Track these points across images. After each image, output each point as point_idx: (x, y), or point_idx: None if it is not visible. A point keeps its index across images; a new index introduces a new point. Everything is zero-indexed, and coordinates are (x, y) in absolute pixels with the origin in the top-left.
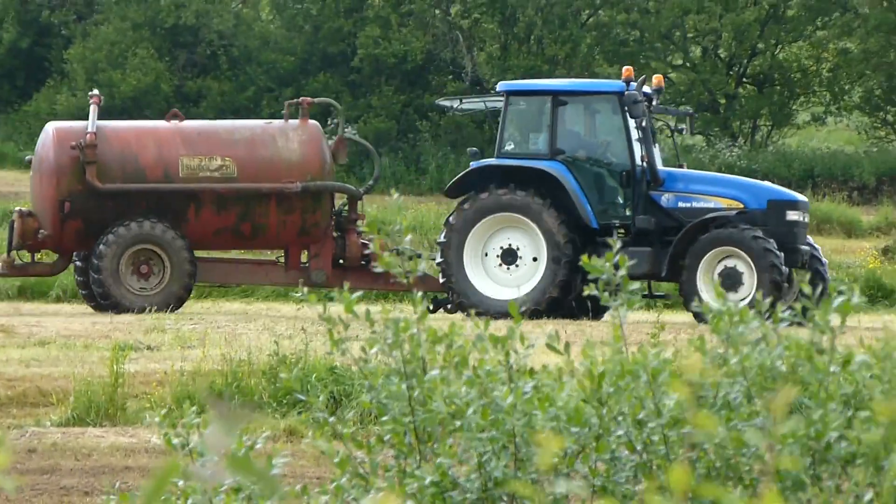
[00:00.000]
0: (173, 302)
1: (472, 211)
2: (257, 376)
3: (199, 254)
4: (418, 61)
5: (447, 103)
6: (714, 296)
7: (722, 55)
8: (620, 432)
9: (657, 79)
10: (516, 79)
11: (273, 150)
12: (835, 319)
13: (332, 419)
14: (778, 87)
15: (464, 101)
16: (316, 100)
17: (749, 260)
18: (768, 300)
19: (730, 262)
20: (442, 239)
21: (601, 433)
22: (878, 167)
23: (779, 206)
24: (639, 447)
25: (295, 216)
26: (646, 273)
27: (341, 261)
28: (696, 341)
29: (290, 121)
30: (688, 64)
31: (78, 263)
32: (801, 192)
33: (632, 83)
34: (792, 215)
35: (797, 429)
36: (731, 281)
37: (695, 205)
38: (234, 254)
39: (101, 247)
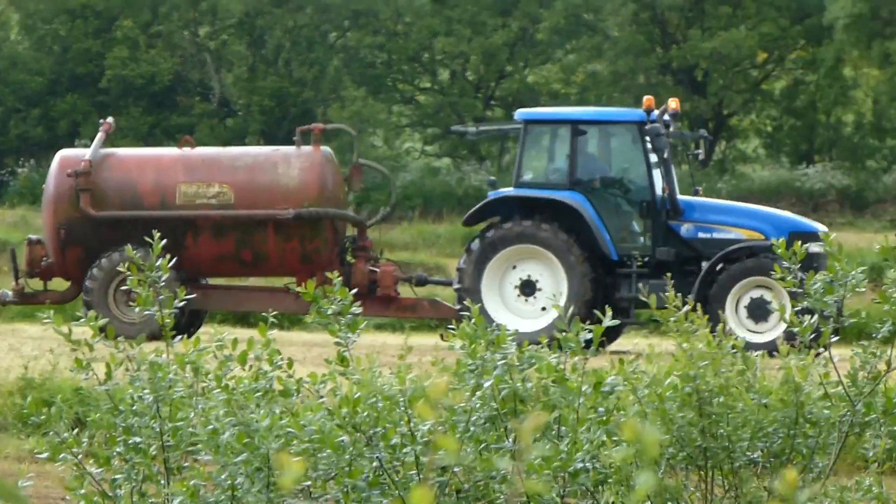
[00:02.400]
0: (160, 331)
1: (495, 239)
2: (4, 397)
3: (213, 281)
4: (166, 82)
5: (463, 129)
6: (740, 325)
7: (470, 78)
8: (376, 456)
9: (674, 103)
10: (265, 101)
11: (272, 177)
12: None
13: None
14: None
15: (480, 127)
16: (329, 126)
17: (780, 289)
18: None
19: (756, 293)
20: (462, 265)
21: (354, 457)
22: None
23: (800, 238)
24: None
25: (294, 243)
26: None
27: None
28: (439, 363)
29: (302, 147)
30: (436, 87)
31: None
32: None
33: (653, 113)
34: (814, 247)
35: (546, 454)
36: (759, 311)
37: (715, 235)
38: (252, 281)
39: (92, 273)
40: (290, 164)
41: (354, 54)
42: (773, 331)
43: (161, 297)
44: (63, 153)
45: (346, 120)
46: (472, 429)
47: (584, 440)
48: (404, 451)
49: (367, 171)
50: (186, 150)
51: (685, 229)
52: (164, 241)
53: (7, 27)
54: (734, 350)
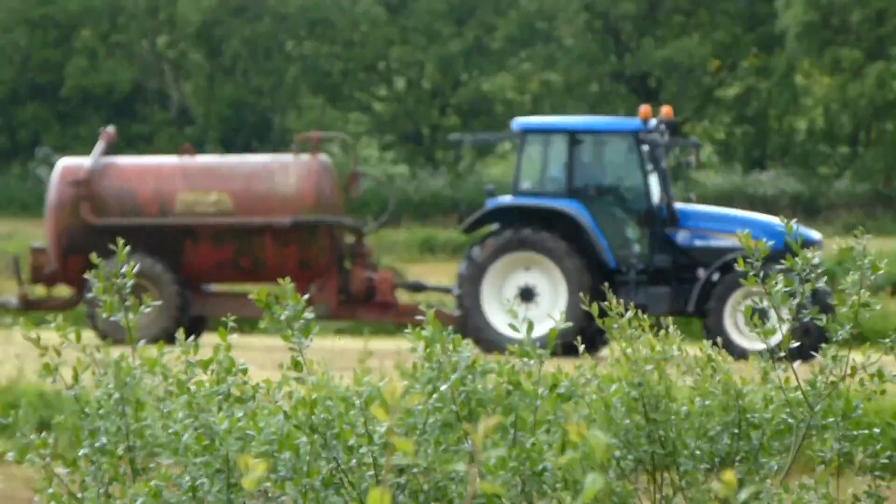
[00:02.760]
0: (163, 336)
1: (496, 247)
2: None
3: (216, 287)
4: (126, 92)
5: (459, 138)
6: (740, 333)
7: (426, 86)
8: (332, 457)
9: (666, 111)
10: (223, 109)
11: (269, 185)
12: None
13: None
14: (482, 118)
15: (477, 137)
16: (326, 134)
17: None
18: None
19: (756, 300)
20: (462, 272)
21: (312, 459)
22: None
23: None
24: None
25: (291, 250)
26: (669, 310)
27: (343, 295)
28: (402, 366)
29: (300, 155)
30: (392, 94)
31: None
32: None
33: (649, 122)
34: (809, 255)
35: (504, 456)
36: (759, 318)
37: (711, 243)
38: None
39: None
40: (287, 172)
41: (311, 63)
42: (772, 335)
43: (127, 303)
44: (64, 162)
45: (303, 128)
46: (428, 430)
47: (543, 442)
48: (361, 451)
49: (365, 178)
50: (186, 159)
51: (681, 237)
52: (164, 248)
53: None
54: (678, 354)
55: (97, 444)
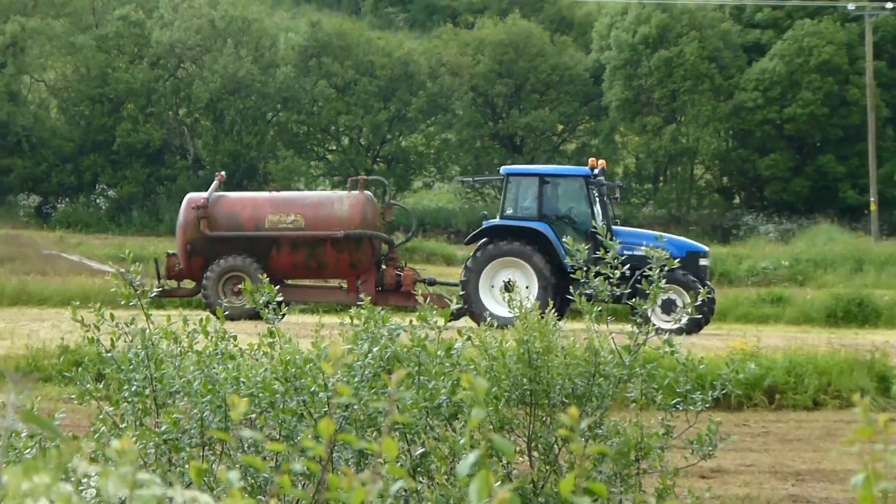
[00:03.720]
0: (253, 314)
1: (485, 257)
2: (49, 358)
3: (290, 281)
4: (157, 146)
5: (464, 179)
6: (657, 317)
7: (363, 143)
8: (300, 399)
9: (602, 163)
10: (224, 159)
11: (330, 210)
12: (440, 320)
13: (87, 386)
14: (401, 165)
15: (475, 178)
16: (370, 177)
17: (684, 292)
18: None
19: (668, 295)
20: (463, 277)
21: (286, 399)
22: (468, 218)
23: (694, 255)
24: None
25: (345, 255)
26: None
27: (379, 287)
28: (351, 336)
29: (352, 191)
30: (340, 148)
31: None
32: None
33: (594, 169)
34: (703, 261)
35: (414, 396)
36: (669, 307)
37: (635, 253)
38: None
39: (207, 274)
40: (342, 202)
41: (284, 127)
42: (678, 320)
43: (139, 292)
44: (190, 195)
45: (278, 172)
46: (363, 379)
47: (441, 386)
48: (319, 395)
49: (396, 208)
50: (273, 193)
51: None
52: (257, 252)
53: (48, 108)
54: (555, 325)
55: (133, 388)
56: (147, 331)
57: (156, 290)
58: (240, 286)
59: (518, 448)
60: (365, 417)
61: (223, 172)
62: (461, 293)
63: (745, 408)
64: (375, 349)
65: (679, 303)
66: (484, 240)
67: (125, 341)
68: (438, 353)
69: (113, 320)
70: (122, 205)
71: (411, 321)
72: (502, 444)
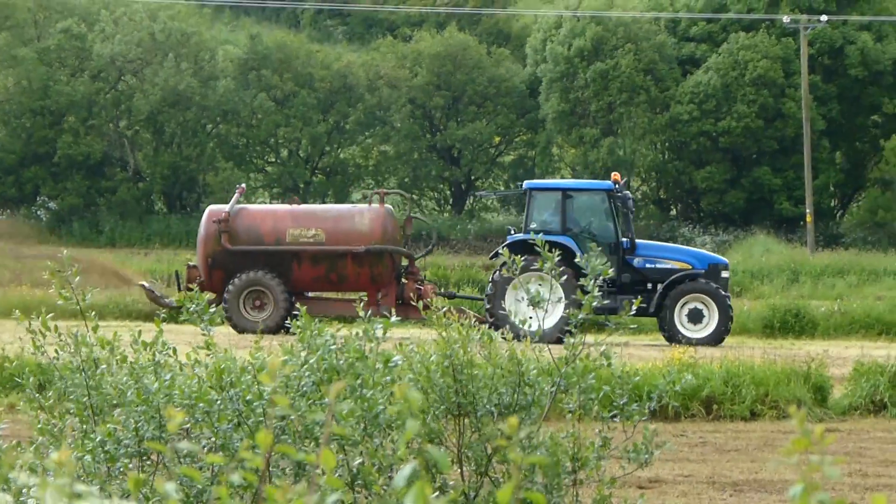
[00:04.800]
0: (274, 327)
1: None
2: None
3: (311, 294)
4: (98, 158)
5: (485, 193)
6: (683, 327)
7: (301, 155)
8: (235, 408)
9: (616, 176)
10: (164, 171)
11: (351, 224)
12: (379, 331)
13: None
14: (340, 177)
15: (496, 193)
16: (390, 191)
17: (711, 302)
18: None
19: (695, 305)
20: (489, 291)
21: (222, 408)
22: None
23: (716, 268)
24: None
25: (365, 269)
26: (635, 312)
27: (399, 300)
28: (287, 346)
29: (372, 205)
30: (279, 160)
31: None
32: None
33: (617, 184)
34: (724, 273)
35: (352, 407)
36: (697, 316)
37: (658, 266)
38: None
39: (229, 288)
40: (363, 216)
41: (224, 139)
42: (705, 329)
43: (257, 303)
44: (211, 207)
45: (218, 184)
46: (300, 390)
47: (379, 397)
48: (255, 404)
49: (417, 221)
50: (294, 206)
51: (637, 262)
52: (278, 266)
53: None
54: (479, 336)
55: (71, 398)
56: (87, 339)
57: (172, 301)
58: (260, 301)
59: (449, 459)
60: (302, 429)
61: (244, 185)
62: (487, 307)
63: (682, 418)
64: (312, 360)
65: (705, 313)
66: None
67: (66, 350)
68: (377, 365)
69: (56, 331)
70: (63, 216)
71: (357, 332)
72: (437, 456)
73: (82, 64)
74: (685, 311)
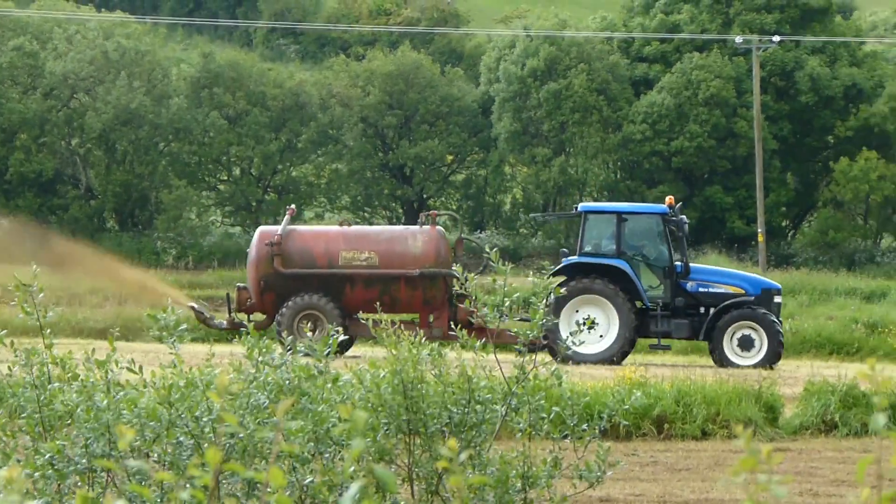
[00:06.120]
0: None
1: (568, 292)
2: None
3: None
4: (50, 176)
5: (539, 216)
6: (733, 353)
7: (254, 173)
8: (184, 424)
9: (671, 200)
10: (117, 189)
11: (404, 247)
12: (327, 350)
13: None
14: (292, 195)
15: (549, 215)
16: (442, 212)
17: (761, 329)
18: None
19: (745, 332)
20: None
21: (170, 426)
22: None
23: (769, 293)
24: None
25: (418, 292)
26: (686, 336)
27: (451, 323)
28: (235, 363)
29: (424, 226)
30: (231, 178)
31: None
32: None
33: (672, 208)
34: (777, 298)
35: (301, 426)
36: (747, 343)
37: (711, 290)
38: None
39: (282, 311)
40: (416, 238)
41: (177, 157)
42: (756, 356)
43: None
44: (261, 229)
45: (171, 202)
46: (248, 408)
47: (328, 416)
48: (203, 421)
49: (468, 242)
50: (345, 228)
51: (690, 286)
52: (331, 289)
53: None
54: (429, 354)
55: (23, 415)
56: (42, 355)
57: (223, 322)
58: (312, 325)
59: (400, 478)
60: (251, 447)
61: (293, 206)
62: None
63: (634, 437)
64: (260, 378)
65: (756, 339)
66: (563, 277)
67: (17, 366)
68: (327, 385)
69: (13, 346)
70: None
71: (311, 355)
72: (384, 475)
73: (35, 81)
74: (735, 338)
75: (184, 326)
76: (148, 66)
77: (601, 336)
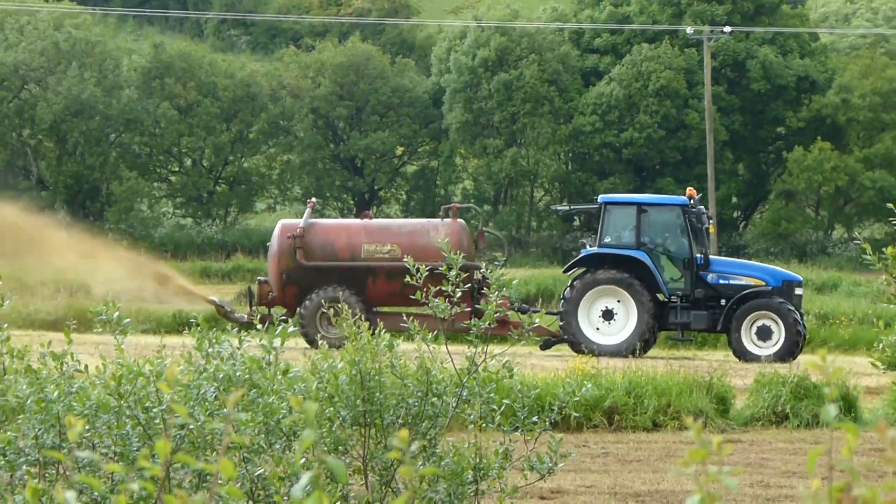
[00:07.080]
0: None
1: (584, 284)
2: None
3: (383, 309)
4: (1, 167)
5: (560, 208)
6: (752, 343)
7: (205, 164)
8: (134, 414)
9: (691, 191)
10: (68, 180)
11: (426, 239)
12: (277, 342)
13: None
14: (243, 186)
15: (572, 207)
16: (462, 204)
17: (779, 320)
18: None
19: (764, 322)
20: (564, 300)
21: (118, 416)
22: None
23: (790, 284)
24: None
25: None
26: (705, 328)
27: (474, 315)
28: (185, 355)
29: (445, 219)
30: (182, 170)
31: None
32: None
33: (692, 199)
34: (798, 290)
35: (251, 417)
36: (765, 333)
37: (731, 282)
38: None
39: (305, 304)
40: (437, 230)
41: (128, 148)
42: (774, 346)
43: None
44: (283, 222)
45: (122, 193)
46: (198, 399)
47: (279, 407)
48: (153, 412)
49: (488, 234)
50: (367, 221)
51: (711, 277)
52: (353, 282)
53: None
54: (385, 345)
55: None
56: None
57: (243, 316)
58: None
59: (354, 469)
60: (201, 438)
61: (314, 199)
62: (561, 323)
63: (584, 429)
64: (210, 368)
65: (774, 330)
66: (583, 268)
67: None
68: (277, 376)
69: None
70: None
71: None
72: (335, 466)
73: None
74: (754, 328)
75: (127, 320)
76: (99, 57)
77: (621, 325)
